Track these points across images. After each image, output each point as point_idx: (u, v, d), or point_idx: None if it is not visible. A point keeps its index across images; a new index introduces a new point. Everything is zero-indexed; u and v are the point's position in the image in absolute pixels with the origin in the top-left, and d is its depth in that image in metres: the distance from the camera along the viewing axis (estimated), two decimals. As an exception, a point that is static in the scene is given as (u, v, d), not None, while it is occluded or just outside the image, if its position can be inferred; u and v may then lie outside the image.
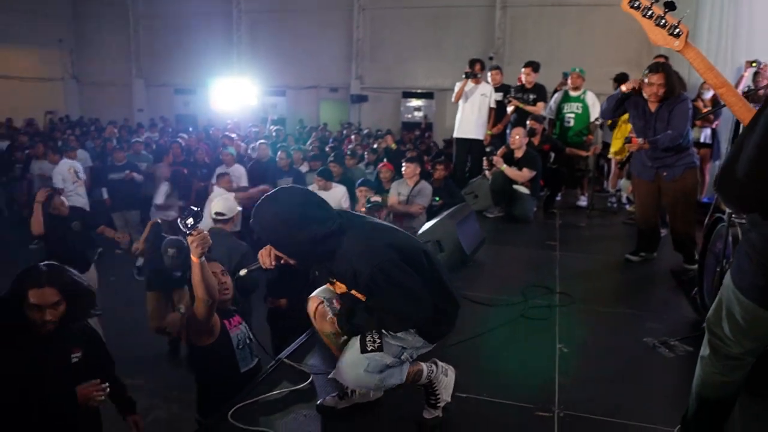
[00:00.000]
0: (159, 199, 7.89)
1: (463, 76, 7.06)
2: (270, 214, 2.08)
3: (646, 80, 4.11)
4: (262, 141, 9.17)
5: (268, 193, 2.19)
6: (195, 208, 2.26)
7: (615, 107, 4.30)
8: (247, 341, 2.89)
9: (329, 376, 2.38)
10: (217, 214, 4.52)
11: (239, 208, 4.87)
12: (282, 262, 2.22)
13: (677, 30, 1.94)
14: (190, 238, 2.30)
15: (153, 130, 15.24)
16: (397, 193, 6.20)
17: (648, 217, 4.55)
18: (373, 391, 2.42)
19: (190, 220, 2.23)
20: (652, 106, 4.17)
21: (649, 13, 1.99)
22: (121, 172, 8.42)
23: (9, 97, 17.57)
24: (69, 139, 10.83)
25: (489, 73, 7.43)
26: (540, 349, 3.16)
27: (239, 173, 8.17)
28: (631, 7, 2.03)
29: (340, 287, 2.24)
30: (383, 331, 2.15)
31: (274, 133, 12.00)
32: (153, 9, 19.01)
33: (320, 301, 2.38)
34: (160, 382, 4.75)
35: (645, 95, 4.14)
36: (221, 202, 4.67)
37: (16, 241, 8.02)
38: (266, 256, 2.22)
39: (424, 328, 2.20)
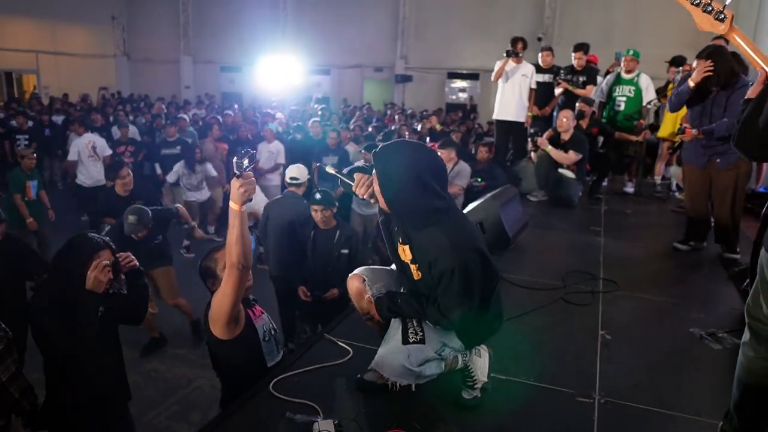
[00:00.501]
0: (172, 177, 7.88)
1: (504, 54, 6.92)
2: (403, 165, 2.06)
3: (695, 65, 3.98)
4: (315, 119, 9.23)
5: (408, 141, 2.24)
6: (252, 150, 2.14)
7: (684, 102, 4.17)
8: (272, 332, 2.65)
9: (370, 367, 2.35)
10: (291, 178, 4.98)
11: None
12: (372, 201, 2.20)
13: (723, 15, 1.96)
14: (238, 181, 2.08)
15: (200, 107, 15.51)
16: None
17: (699, 205, 4.42)
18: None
19: (246, 161, 2.05)
20: (710, 92, 4.02)
21: (697, 0, 2.01)
22: (173, 148, 8.65)
23: (65, 73, 18.22)
24: (119, 114, 11.13)
25: (540, 54, 7.25)
26: (582, 335, 3.12)
27: (277, 149, 8.38)
28: None
29: (405, 253, 2.21)
30: (424, 323, 2.19)
31: (319, 112, 12.05)
32: (203, -14, 19.26)
33: (362, 279, 2.40)
34: (202, 353, 4.89)
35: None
36: (295, 169, 5.08)
37: (72, 212, 8.37)
38: (364, 185, 2.21)
39: (463, 333, 2.23)
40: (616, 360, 2.84)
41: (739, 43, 1.97)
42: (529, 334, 3.13)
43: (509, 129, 7.15)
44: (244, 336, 2.43)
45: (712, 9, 1.96)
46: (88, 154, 8.15)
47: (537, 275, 3.89)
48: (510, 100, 7.01)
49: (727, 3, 1.98)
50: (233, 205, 2.14)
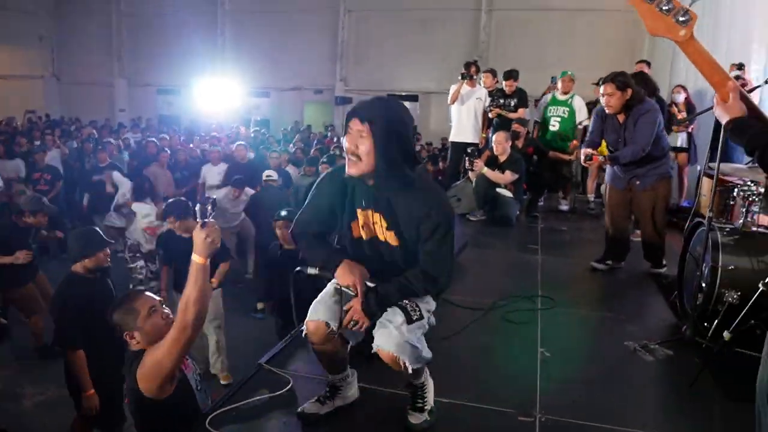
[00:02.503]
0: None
1: (459, 77, 7.09)
2: (399, 112, 2.00)
3: (601, 90, 4.15)
4: (240, 142, 9.12)
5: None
6: (213, 197, 2.06)
7: (598, 131, 4.35)
8: (199, 377, 2.46)
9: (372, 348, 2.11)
10: (268, 176, 6.88)
11: None
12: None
13: (686, 17, 1.60)
14: (203, 231, 1.93)
15: (135, 130, 15.07)
16: None
17: (618, 225, 4.53)
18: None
19: (209, 207, 1.93)
20: (620, 118, 4.17)
21: None
22: (103, 174, 8.31)
23: (-11, 95, 17.31)
24: (47, 139, 10.65)
25: (482, 76, 7.47)
26: (522, 353, 3.16)
27: (222, 171, 8.18)
28: None
29: (374, 224, 2.10)
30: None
31: (252, 134, 11.98)
32: (137, 7, 18.85)
33: (324, 323, 2.12)
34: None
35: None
36: (269, 170, 6.99)
37: None
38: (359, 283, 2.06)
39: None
40: (556, 377, 2.89)
41: (697, 54, 1.65)
42: (470, 354, 3.16)
43: (465, 150, 7.26)
44: (178, 391, 2.20)
45: (672, 8, 1.60)
46: None
47: (477, 295, 3.92)
48: (466, 122, 7.21)
49: (692, 2, 1.65)
50: (198, 259, 1.95)
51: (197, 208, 1.94)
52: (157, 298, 2.29)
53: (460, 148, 7.25)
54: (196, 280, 1.95)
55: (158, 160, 8.50)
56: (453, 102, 7.17)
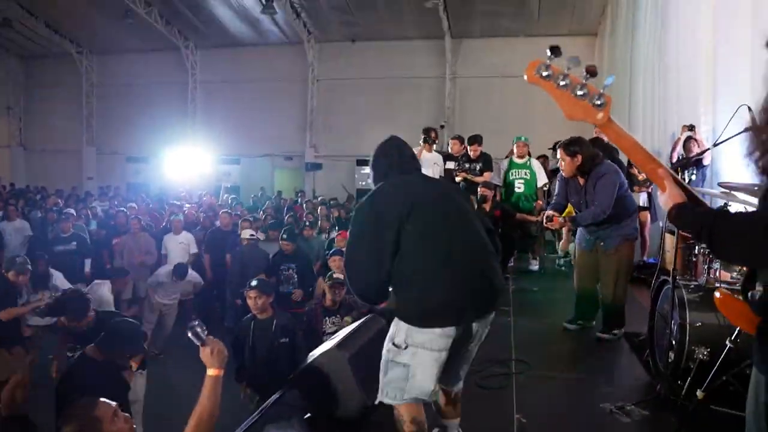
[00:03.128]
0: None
1: (422, 142, 7.20)
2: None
3: (558, 154, 4.30)
4: (225, 210, 9.11)
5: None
6: (196, 319, 2.14)
7: (562, 195, 4.48)
8: None
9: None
10: (250, 236, 7.05)
11: None
12: None
13: (602, 100, 1.54)
14: (207, 348, 2.06)
15: (103, 199, 14.89)
16: None
17: (586, 285, 4.57)
18: None
19: (199, 329, 2.08)
20: (581, 181, 4.29)
21: (564, 82, 1.59)
22: (68, 244, 8.13)
23: (-50, 165, 17.05)
24: (9, 209, 10.42)
25: (450, 142, 7.64)
26: (498, 420, 3.10)
27: (188, 240, 8.11)
28: (540, 77, 1.65)
29: None
30: None
31: (230, 201, 11.93)
32: (107, 78, 19.07)
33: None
34: None
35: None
36: (248, 230, 7.16)
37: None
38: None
39: None
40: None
41: (618, 138, 1.60)
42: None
43: None
44: None
45: (587, 93, 1.54)
46: None
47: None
48: None
49: (606, 84, 1.57)
50: (212, 371, 2.04)
51: (190, 334, 2.07)
52: (113, 403, 2.08)
53: None
54: (212, 393, 2.01)
55: (129, 230, 8.37)
56: None
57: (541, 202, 6.93)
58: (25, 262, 5.30)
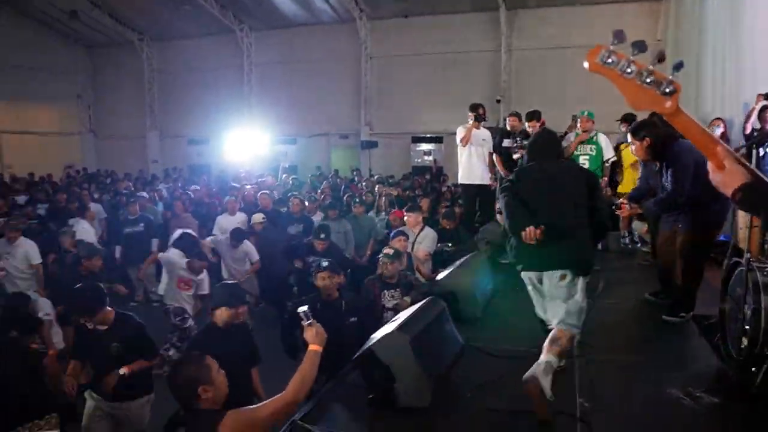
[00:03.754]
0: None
1: (472, 120, 7.10)
2: None
3: (629, 138, 4.17)
4: (264, 191, 9.27)
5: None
6: (303, 302, 2.53)
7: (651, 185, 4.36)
8: None
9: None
10: (262, 219, 7.43)
11: None
12: None
13: (671, 88, 1.44)
14: (312, 329, 2.51)
15: (167, 180, 15.49)
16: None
17: (667, 264, 4.45)
18: None
19: (309, 312, 2.54)
20: (657, 164, 4.15)
21: (630, 69, 1.47)
22: (135, 225, 8.53)
23: (30, 151, 18.09)
24: (83, 194, 10.97)
25: (507, 119, 7.51)
26: (560, 404, 3.05)
27: (242, 220, 8.28)
28: (603, 65, 1.53)
29: None
30: None
31: (290, 181, 12.16)
32: (167, 63, 19.64)
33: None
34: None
35: None
36: (259, 215, 7.55)
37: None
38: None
39: None
40: (597, 428, 2.79)
41: (686, 124, 1.50)
42: (507, 404, 3.07)
43: (477, 192, 7.29)
44: None
45: (655, 80, 1.44)
46: None
47: (511, 342, 3.85)
48: (477, 164, 7.20)
49: (675, 70, 1.49)
50: (315, 348, 2.48)
51: (300, 314, 2.54)
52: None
53: (472, 190, 7.27)
54: (312, 363, 2.45)
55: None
56: (465, 144, 7.16)
57: (606, 179, 6.70)
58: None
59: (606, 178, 6.78)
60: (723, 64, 8.40)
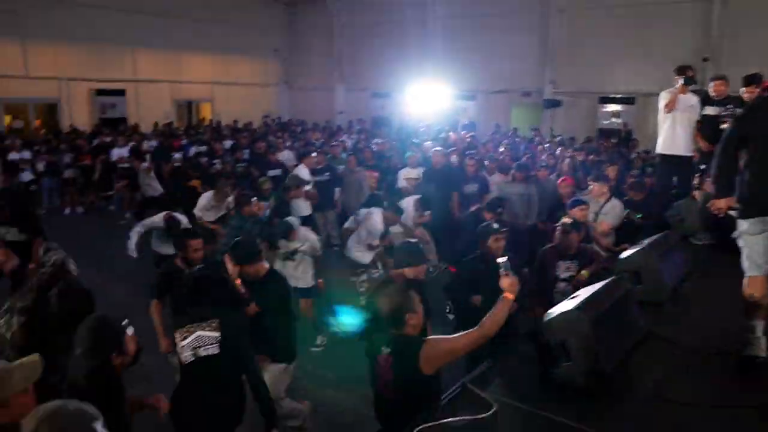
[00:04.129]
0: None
1: (681, 82, 6.33)
2: None
3: None
4: (436, 148, 9.31)
5: None
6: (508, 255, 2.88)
7: None
8: None
9: None
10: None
11: None
12: None
13: None
14: (508, 279, 2.80)
15: (351, 131, 16.35)
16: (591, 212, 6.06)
17: None
18: None
19: (509, 264, 2.84)
20: None
21: None
22: (321, 175, 9.17)
23: (234, 101, 20.28)
24: (277, 142, 12.04)
25: (711, 83, 6.62)
26: (750, 414, 2.79)
27: (419, 174, 8.60)
28: None
29: None
30: None
31: (468, 138, 12.17)
32: (354, 18, 20.42)
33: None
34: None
35: None
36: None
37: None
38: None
39: None
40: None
41: None
42: (684, 405, 2.86)
43: (678, 164, 6.60)
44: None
45: None
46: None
47: (699, 335, 3.55)
48: (680, 132, 6.46)
49: None
50: (509, 296, 2.78)
51: (501, 263, 2.84)
52: None
53: (673, 161, 6.57)
54: (503, 310, 2.75)
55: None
56: (670, 110, 6.44)
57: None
58: None
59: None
60: None
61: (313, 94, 21.78)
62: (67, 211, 12.05)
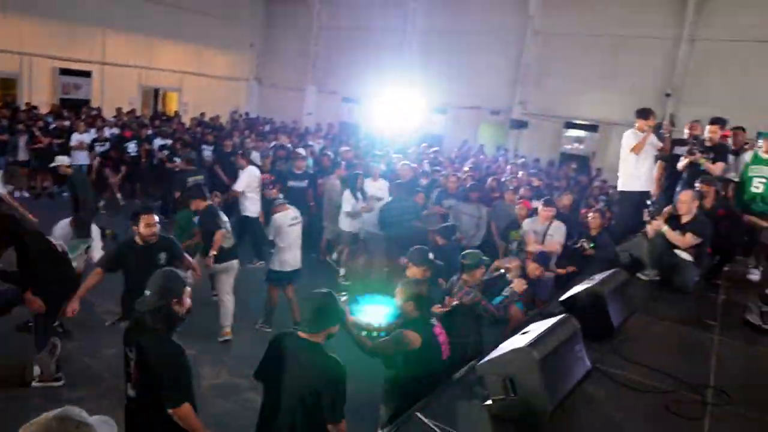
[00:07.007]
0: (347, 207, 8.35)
1: (646, 128, 6.65)
2: None
3: None
4: (404, 162, 9.49)
5: None
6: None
7: None
8: None
9: None
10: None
11: None
12: None
13: None
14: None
15: (318, 134, 16.31)
16: (532, 231, 6.61)
17: None
18: None
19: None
20: None
21: None
22: (300, 180, 9.16)
23: (203, 92, 19.94)
24: (246, 142, 11.94)
25: (687, 125, 7.11)
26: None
27: (383, 187, 8.75)
28: None
29: None
30: None
31: (431, 155, 12.30)
32: (335, 21, 20.39)
33: None
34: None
35: None
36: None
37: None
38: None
39: None
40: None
41: None
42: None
43: (640, 199, 6.89)
44: None
45: None
46: (255, 186, 8.72)
47: (640, 373, 3.72)
48: (643, 170, 6.84)
49: None
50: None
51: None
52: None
53: (635, 197, 6.86)
54: None
55: (334, 172, 9.27)
56: (638, 152, 6.73)
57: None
58: None
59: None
60: None
61: (283, 93, 21.62)
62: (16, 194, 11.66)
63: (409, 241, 5.90)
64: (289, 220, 6.60)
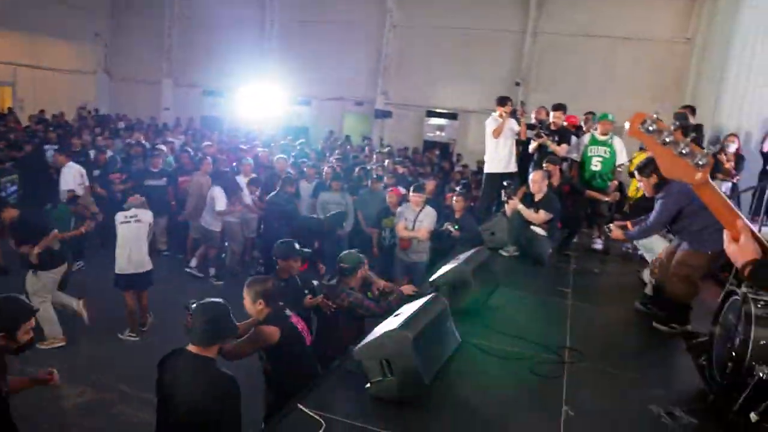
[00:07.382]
0: (221, 205, 8.02)
1: (504, 114, 7.10)
2: None
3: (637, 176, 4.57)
4: (280, 156, 9.41)
5: None
6: None
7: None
8: None
9: None
10: None
11: None
12: None
13: (704, 161, 1.58)
14: None
15: (177, 129, 15.50)
16: (403, 218, 6.76)
17: (663, 277, 4.57)
18: None
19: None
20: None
21: (669, 139, 1.62)
22: (158, 179, 8.70)
23: (43, 87, 18.01)
24: (98, 140, 11.04)
25: (534, 111, 7.70)
26: (546, 409, 3.22)
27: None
28: (644, 132, 1.65)
29: None
30: None
31: (298, 147, 12.19)
32: (189, 10, 19.40)
33: None
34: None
35: None
36: None
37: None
38: None
39: None
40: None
41: (712, 196, 1.63)
42: (496, 408, 3.23)
43: (501, 180, 7.32)
44: None
45: (690, 152, 1.59)
46: (78, 183, 8.28)
47: (504, 341, 3.99)
48: (503, 153, 7.30)
49: (707, 153, 1.60)
50: None
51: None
52: None
53: (496, 179, 7.33)
54: None
55: (200, 169, 8.89)
56: (497, 136, 7.19)
57: (616, 182, 6.82)
58: None
59: (616, 182, 6.87)
60: (748, 75, 8.35)
61: (137, 87, 20.17)
62: None
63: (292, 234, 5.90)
64: (120, 218, 6.37)
